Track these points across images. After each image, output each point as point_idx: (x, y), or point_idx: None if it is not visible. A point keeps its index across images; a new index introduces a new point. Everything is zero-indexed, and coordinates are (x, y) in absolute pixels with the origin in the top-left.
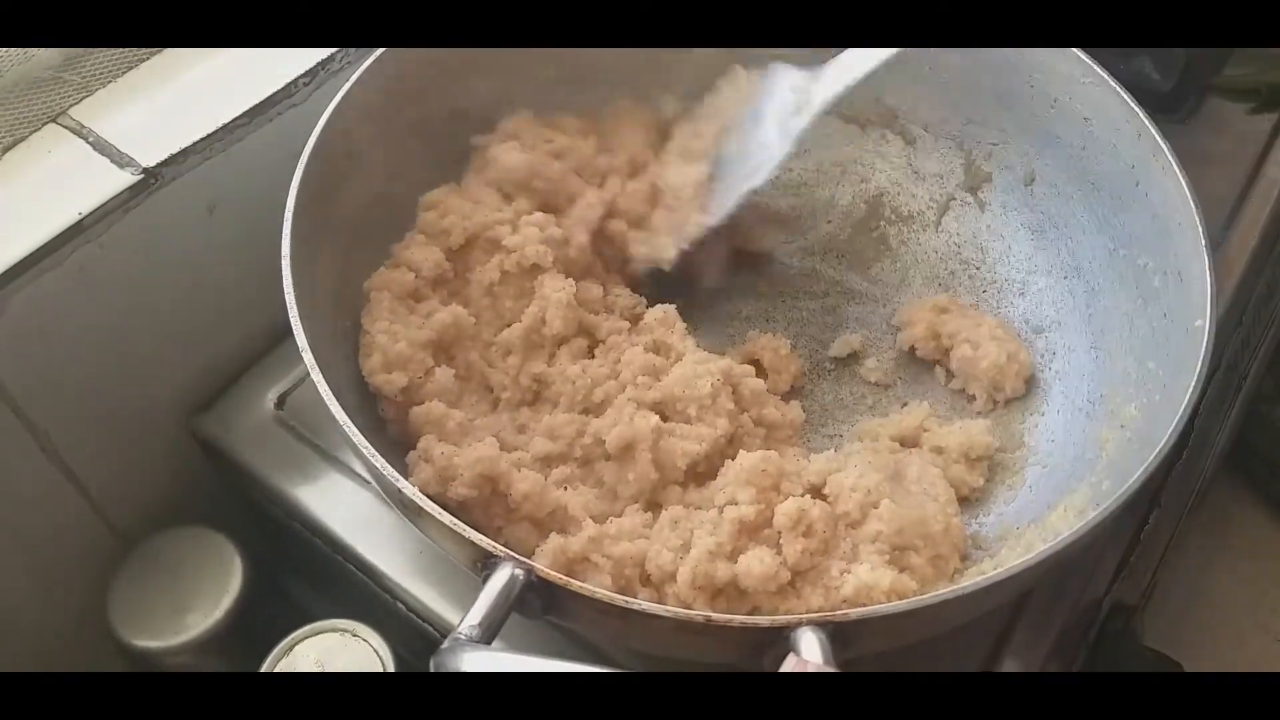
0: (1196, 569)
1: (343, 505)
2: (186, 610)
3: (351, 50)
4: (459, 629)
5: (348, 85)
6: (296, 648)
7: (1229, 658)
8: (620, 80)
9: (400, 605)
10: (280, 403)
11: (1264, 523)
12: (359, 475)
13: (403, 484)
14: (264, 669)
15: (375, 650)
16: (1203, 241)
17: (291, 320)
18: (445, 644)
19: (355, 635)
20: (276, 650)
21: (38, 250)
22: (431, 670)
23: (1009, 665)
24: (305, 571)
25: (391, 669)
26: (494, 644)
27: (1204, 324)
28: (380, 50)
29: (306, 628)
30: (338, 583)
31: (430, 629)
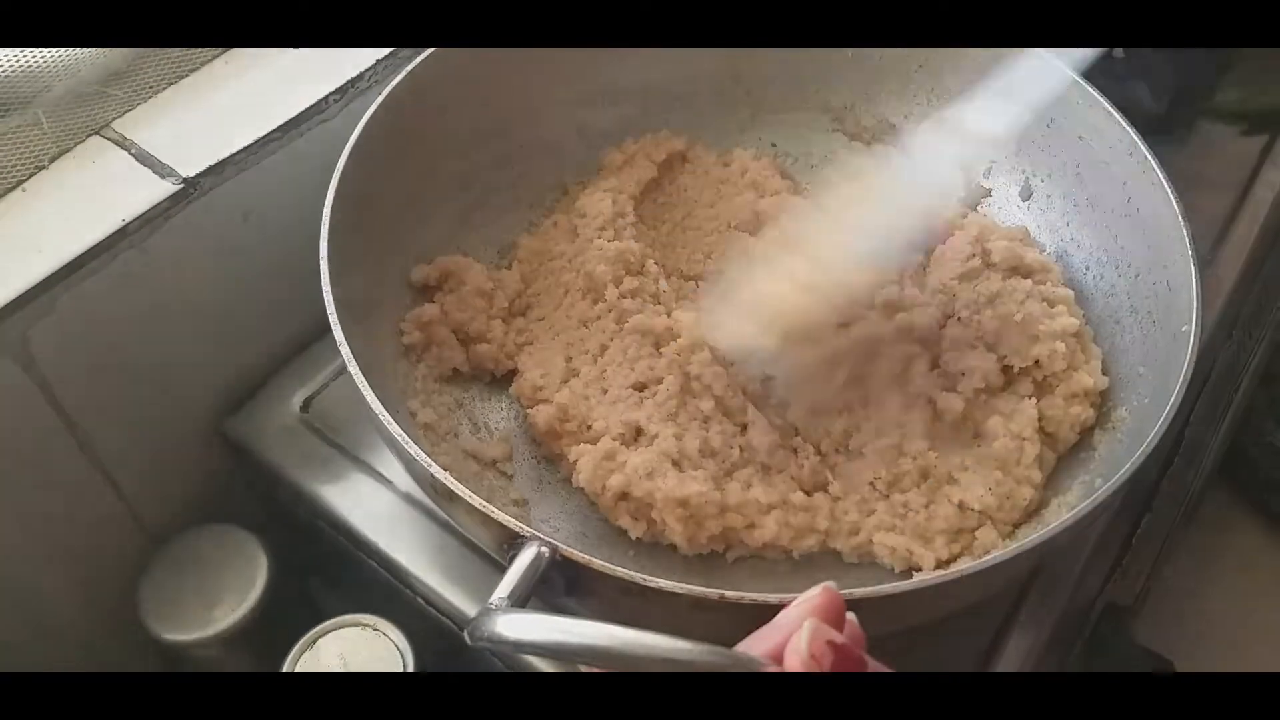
0: (1192, 578)
1: (365, 503)
2: (214, 605)
3: (379, 70)
4: (490, 600)
5: (377, 101)
6: (320, 641)
7: (1222, 663)
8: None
9: (420, 600)
10: (306, 406)
11: (1260, 536)
12: (381, 475)
13: (435, 469)
14: (288, 662)
15: (395, 645)
16: (1189, 251)
17: (331, 321)
18: (478, 613)
19: (376, 630)
20: (300, 644)
21: (85, 253)
22: (467, 638)
23: (1005, 659)
24: (328, 568)
25: (411, 663)
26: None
27: (1189, 329)
28: (405, 70)
29: (329, 622)
30: (360, 579)
31: (449, 623)
